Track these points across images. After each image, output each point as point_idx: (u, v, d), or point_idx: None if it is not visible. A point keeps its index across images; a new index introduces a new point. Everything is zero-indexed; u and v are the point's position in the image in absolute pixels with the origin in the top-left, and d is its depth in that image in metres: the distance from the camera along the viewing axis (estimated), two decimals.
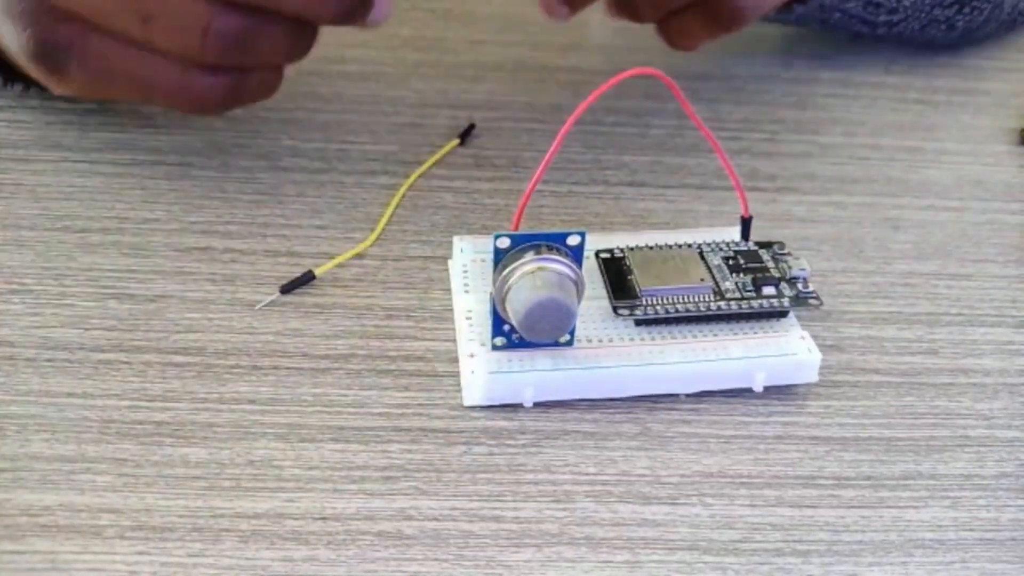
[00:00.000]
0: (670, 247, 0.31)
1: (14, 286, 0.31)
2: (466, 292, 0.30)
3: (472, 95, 0.42)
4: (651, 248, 0.31)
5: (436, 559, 0.24)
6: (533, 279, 0.26)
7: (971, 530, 0.26)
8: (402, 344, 0.26)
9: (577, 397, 0.28)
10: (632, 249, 0.31)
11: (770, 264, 0.30)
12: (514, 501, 0.26)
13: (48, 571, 0.23)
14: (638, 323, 0.29)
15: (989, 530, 0.26)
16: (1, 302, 0.30)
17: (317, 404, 0.27)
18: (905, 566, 0.25)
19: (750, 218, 0.31)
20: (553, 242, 0.26)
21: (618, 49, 0.46)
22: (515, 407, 0.28)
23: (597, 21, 0.34)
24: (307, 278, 0.32)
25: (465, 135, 0.39)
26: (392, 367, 0.29)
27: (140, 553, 0.24)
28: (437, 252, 0.33)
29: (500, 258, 0.27)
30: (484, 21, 0.48)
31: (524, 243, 0.26)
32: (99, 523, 0.24)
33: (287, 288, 0.31)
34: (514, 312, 0.26)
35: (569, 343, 0.28)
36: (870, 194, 0.38)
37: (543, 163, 0.26)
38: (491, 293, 0.27)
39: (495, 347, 0.28)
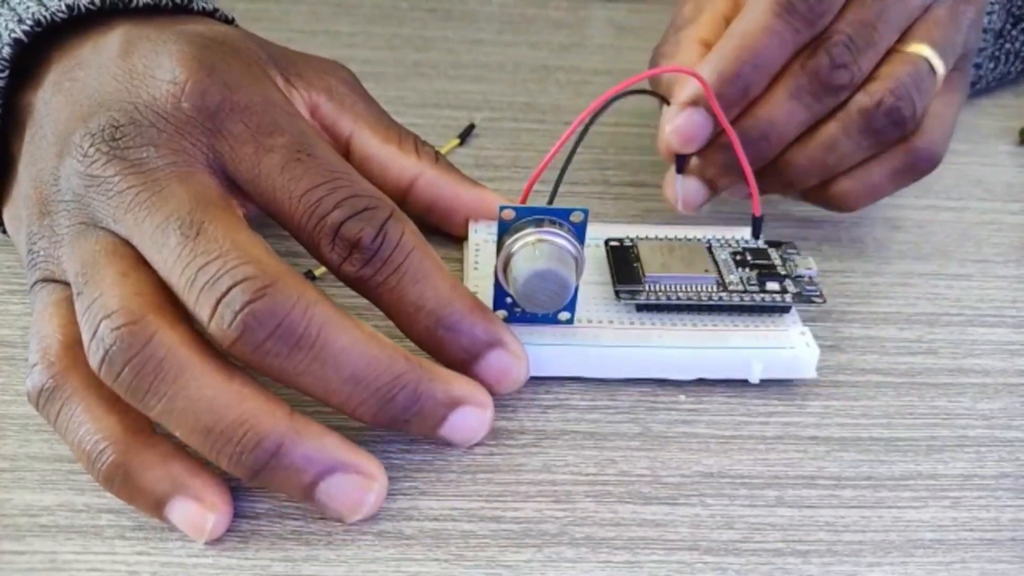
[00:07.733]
0: (680, 239, 0.31)
1: (14, 286, 0.31)
2: (476, 269, 0.31)
3: (472, 95, 0.42)
4: (660, 239, 0.31)
5: (436, 559, 0.24)
6: (534, 250, 0.26)
7: (971, 530, 0.26)
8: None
9: (573, 374, 0.29)
10: (642, 239, 0.31)
11: (777, 262, 0.30)
12: (514, 501, 0.26)
13: (48, 571, 0.23)
14: (639, 308, 0.29)
15: (989, 530, 0.26)
16: (1, 302, 0.30)
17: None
18: (905, 566, 0.25)
19: (761, 217, 0.31)
20: (556, 217, 0.27)
21: (618, 49, 0.46)
22: (515, 406, 0.28)
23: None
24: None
25: (465, 135, 0.39)
26: None
27: (140, 553, 0.24)
28: (437, 252, 0.33)
29: (504, 229, 0.27)
30: (484, 21, 0.48)
31: (528, 216, 0.27)
32: (99, 523, 0.24)
33: None
34: (513, 281, 0.26)
35: (569, 322, 0.28)
36: None
37: (563, 136, 0.27)
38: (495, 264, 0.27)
39: None
